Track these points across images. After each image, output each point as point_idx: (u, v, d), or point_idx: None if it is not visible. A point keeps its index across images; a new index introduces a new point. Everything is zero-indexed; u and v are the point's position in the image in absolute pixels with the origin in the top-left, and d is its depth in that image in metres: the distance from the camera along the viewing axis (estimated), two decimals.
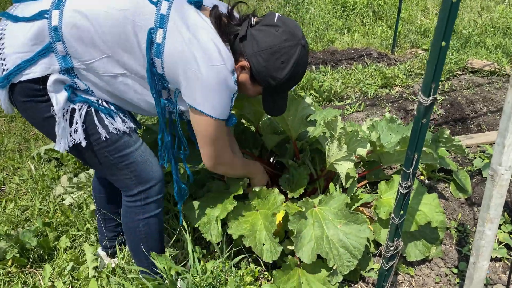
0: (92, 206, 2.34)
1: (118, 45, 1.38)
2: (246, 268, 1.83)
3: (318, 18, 6.18)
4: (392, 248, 1.55)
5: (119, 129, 1.51)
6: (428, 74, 1.21)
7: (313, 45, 5.36)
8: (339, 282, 1.78)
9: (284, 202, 1.84)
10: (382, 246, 1.59)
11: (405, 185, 1.40)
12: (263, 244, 1.71)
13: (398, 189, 1.44)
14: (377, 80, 4.22)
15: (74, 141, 1.45)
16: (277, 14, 1.51)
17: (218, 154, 1.62)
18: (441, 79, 4.23)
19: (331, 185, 1.93)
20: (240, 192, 1.80)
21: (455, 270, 1.90)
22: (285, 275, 1.80)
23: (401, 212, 1.47)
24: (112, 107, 1.53)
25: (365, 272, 1.93)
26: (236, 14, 1.59)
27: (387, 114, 2.32)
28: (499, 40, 5.18)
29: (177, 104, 1.55)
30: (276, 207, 1.72)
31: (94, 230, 2.25)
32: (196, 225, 1.83)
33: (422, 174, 2.51)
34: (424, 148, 1.81)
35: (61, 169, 2.91)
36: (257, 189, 1.83)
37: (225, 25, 1.50)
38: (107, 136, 1.48)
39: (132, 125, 1.57)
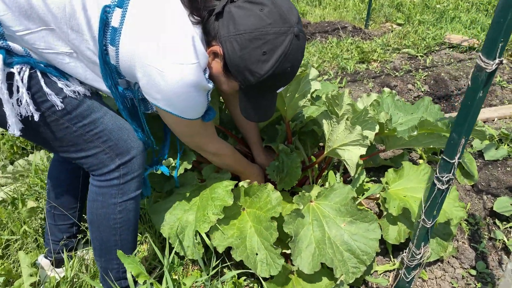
0: (31, 203, 1.89)
1: (63, 20, 1.04)
2: (232, 278, 1.46)
3: None
4: (418, 257, 1.24)
5: (78, 92, 1.16)
6: (496, 26, 0.86)
7: None
8: None
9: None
10: (403, 254, 1.28)
11: (446, 178, 1.08)
12: (256, 254, 1.34)
13: (434, 184, 1.11)
14: (354, 54, 3.93)
15: (21, 116, 1.08)
16: None
17: (200, 146, 1.41)
18: (420, 54, 3.99)
19: (331, 174, 1.59)
20: (230, 202, 1.37)
21: (473, 272, 1.62)
22: (277, 286, 1.45)
23: (435, 213, 1.16)
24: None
25: (369, 276, 1.62)
26: None
27: (386, 89, 2.00)
28: (474, 16, 5.04)
29: (139, 94, 1.24)
30: (271, 208, 1.34)
31: (33, 233, 1.80)
32: (165, 235, 1.42)
33: (421, 157, 2.23)
34: (443, 134, 1.50)
35: None
36: (245, 184, 1.45)
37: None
38: (63, 102, 1.12)
39: (94, 88, 1.23)
